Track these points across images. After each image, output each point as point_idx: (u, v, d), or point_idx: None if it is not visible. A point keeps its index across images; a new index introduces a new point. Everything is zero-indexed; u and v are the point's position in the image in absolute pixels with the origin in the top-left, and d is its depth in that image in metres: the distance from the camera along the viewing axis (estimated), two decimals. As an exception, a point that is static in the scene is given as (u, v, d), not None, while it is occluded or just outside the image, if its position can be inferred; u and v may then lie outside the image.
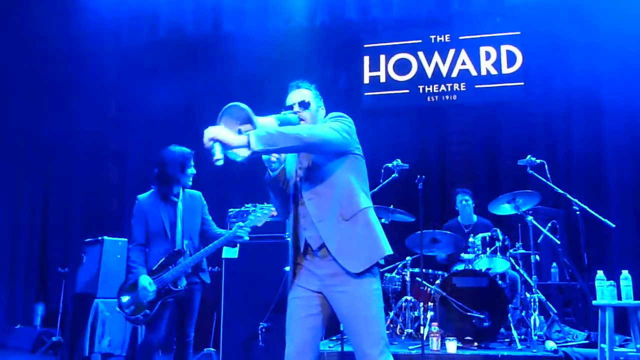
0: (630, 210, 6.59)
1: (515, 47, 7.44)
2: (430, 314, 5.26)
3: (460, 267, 5.63)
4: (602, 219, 5.00)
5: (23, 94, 8.21)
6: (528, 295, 5.36)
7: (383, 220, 5.63)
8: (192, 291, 3.97)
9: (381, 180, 5.38)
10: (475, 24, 7.58)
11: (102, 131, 8.06)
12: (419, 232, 5.00)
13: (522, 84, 7.33)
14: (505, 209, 5.68)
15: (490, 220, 6.11)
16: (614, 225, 5.01)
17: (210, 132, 2.33)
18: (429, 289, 5.39)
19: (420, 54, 7.73)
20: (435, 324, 4.87)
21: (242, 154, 2.36)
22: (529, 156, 5.41)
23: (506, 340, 5.01)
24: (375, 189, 5.33)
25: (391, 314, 5.54)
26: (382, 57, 7.83)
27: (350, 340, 2.62)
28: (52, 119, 7.88)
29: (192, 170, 4.08)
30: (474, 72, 7.51)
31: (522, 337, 4.99)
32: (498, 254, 5.47)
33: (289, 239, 2.80)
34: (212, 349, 5.43)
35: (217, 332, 5.28)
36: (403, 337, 5.36)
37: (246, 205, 4.22)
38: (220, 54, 7.86)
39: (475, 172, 7.22)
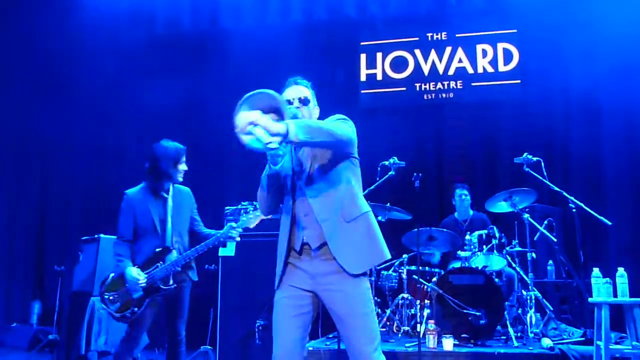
0: (626, 208, 6.62)
1: (511, 44, 7.45)
2: (426, 311, 5.26)
3: (456, 264, 5.64)
4: (599, 216, 5.00)
5: (20, 92, 8.17)
6: (524, 292, 5.36)
7: (380, 217, 5.62)
8: (181, 289, 3.91)
9: (378, 178, 5.39)
10: (472, 21, 7.58)
11: (99, 129, 8.04)
12: (416, 229, 5.00)
13: (519, 81, 7.34)
14: (501, 206, 5.69)
15: (486, 215, 6.13)
16: (610, 223, 5.02)
17: (248, 117, 2.28)
18: (425, 287, 5.40)
19: (417, 52, 7.73)
20: (432, 321, 4.87)
21: (273, 143, 2.29)
22: (525, 154, 5.42)
23: (502, 337, 5.02)
24: (372, 187, 5.34)
25: (388, 311, 5.55)
26: (379, 55, 7.83)
27: (345, 338, 2.62)
28: (50, 117, 7.86)
29: (184, 167, 4.01)
30: (470, 70, 7.52)
31: (519, 334, 5.00)
32: (494, 251, 5.47)
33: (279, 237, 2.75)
34: (209, 347, 5.43)
35: (214, 330, 5.27)
36: (400, 335, 5.37)
37: (243, 203, 4.21)
38: (217, 50, 7.86)
39: (472, 170, 7.22)
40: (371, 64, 7.85)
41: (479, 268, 5.24)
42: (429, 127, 7.52)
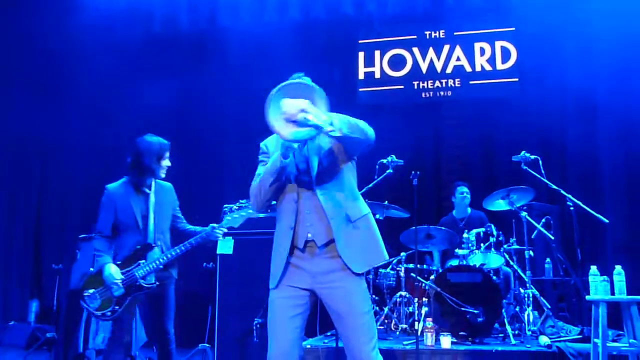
0: (623, 206, 6.64)
1: (509, 43, 7.46)
2: (424, 309, 5.27)
3: (454, 262, 5.65)
4: (596, 214, 5.01)
5: (17, 91, 8.16)
6: (522, 290, 5.38)
7: (377, 216, 5.63)
8: (165, 287, 3.82)
9: (376, 176, 5.39)
10: (470, 20, 7.59)
11: (97, 128, 8.03)
12: (414, 227, 5.01)
13: (517, 79, 7.35)
14: (499, 204, 5.69)
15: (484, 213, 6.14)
16: (607, 221, 5.02)
17: (298, 104, 2.31)
18: (423, 285, 5.40)
19: (415, 50, 7.73)
20: (430, 319, 4.88)
21: (309, 133, 2.34)
22: (523, 152, 5.42)
23: (500, 335, 5.03)
24: (370, 185, 5.34)
25: (386, 309, 5.55)
26: (377, 53, 7.83)
27: (344, 336, 2.63)
28: (47, 116, 7.83)
29: (167, 162, 3.93)
30: (468, 68, 7.52)
31: (516, 332, 5.00)
32: (492, 249, 5.49)
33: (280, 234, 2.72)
34: (207, 345, 5.42)
35: (212, 328, 5.27)
36: (397, 333, 5.37)
37: (240, 201, 4.20)
38: (215, 49, 7.84)
39: (470, 168, 7.23)
40: (369, 62, 7.85)
41: (477, 266, 5.25)
42: (427, 125, 7.52)
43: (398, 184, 5.74)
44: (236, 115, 7.70)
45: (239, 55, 7.65)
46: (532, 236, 5.61)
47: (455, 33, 7.63)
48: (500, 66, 7.44)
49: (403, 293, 5.57)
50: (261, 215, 5.17)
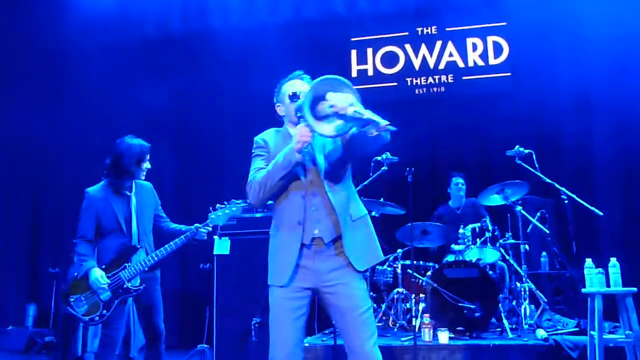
0: (617, 199, 6.67)
1: (501, 37, 7.47)
2: (422, 305, 5.29)
3: (450, 258, 5.67)
4: (590, 207, 5.04)
5: (14, 94, 8.14)
6: (518, 284, 5.40)
7: (374, 213, 5.64)
8: (151, 288, 3.80)
9: (371, 174, 5.40)
10: (462, 15, 7.59)
11: (93, 131, 8.00)
12: (409, 224, 5.02)
13: (509, 74, 7.37)
14: (494, 199, 5.72)
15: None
16: (601, 214, 5.05)
17: (348, 98, 2.37)
18: (420, 281, 5.42)
19: (408, 47, 7.74)
20: (427, 315, 4.90)
21: (351, 128, 2.38)
22: (517, 146, 5.44)
23: (497, 329, 5.06)
24: (366, 182, 5.36)
25: (383, 306, 5.57)
26: (370, 51, 7.84)
27: (345, 333, 2.64)
28: (43, 119, 7.82)
29: (147, 165, 3.89)
30: (461, 64, 7.53)
31: (513, 326, 5.02)
32: (488, 244, 5.51)
33: (281, 232, 2.71)
34: (206, 345, 5.43)
35: (210, 329, 5.28)
36: (395, 329, 5.38)
37: (234, 201, 4.20)
38: (206, 49, 7.82)
39: (464, 163, 7.23)
40: (362, 59, 7.85)
41: (473, 261, 5.27)
42: (421, 122, 7.51)
43: (393, 180, 5.75)
44: (232, 116, 7.70)
45: (232, 56, 7.64)
46: (528, 230, 5.63)
47: (447, 29, 7.64)
48: (492, 61, 7.46)
49: (400, 290, 5.59)
50: (258, 215, 5.20)
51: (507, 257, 5.63)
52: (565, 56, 7.05)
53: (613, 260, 4.10)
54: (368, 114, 2.33)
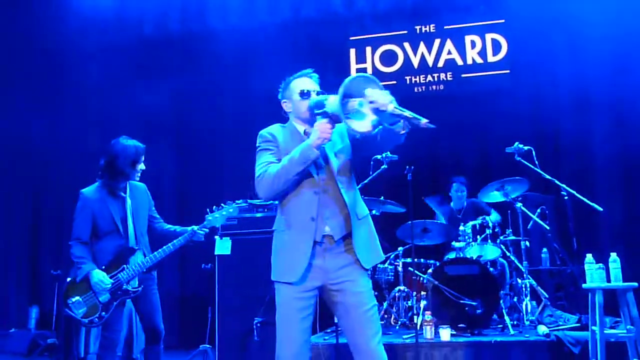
0: (617, 194, 6.68)
1: (500, 35, 7.47)
2: (423, 303, 5.29)
3: (451, 255, 5.68)
4: (590, 203, 5.04)
5: (13, 95, 8.14)
6: (519, 281, 5.41)
7: (374, 211, 5.65)
8: (148, 288, 3.81)
9: (371, 172, 5.41)
10: (460, 13, 7.60)
11: (93, 132, 8.00)
12: (410, 222, 5.03)
13: (508, 71, 7.36)
14: (494, 196, 5.73)
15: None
16: (601, 209, 5.05)
17: (388, 95, 2.36)
18: (421, 279, 5.43)
19: (406, 45, 7.74)
20: (429, 312, 4.90)
21: (385, 123, 2.38)
22: (516, 143, 5.44)
23: (499, 326, 5.06)
24: (366, 181, 5.36)
25: (385, 304, 5.58)
26: (368, 49, 7.84)
27: (350, 331, 2.64)
28: (43, 120, 7.84)
29: (142, 166, 3.89)
30: (460, 62, 7.53)
31: (515, 322, 5.04)
32: (489, 241, 5.52)
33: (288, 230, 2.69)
34: (208, 346, 5.44)
35: (213, 329, 5.29)
36: (397, 327, 5.40)
37: (237, 201, 4.21)
38: (205, 49, 7.82)
39: (464, 161, 7.25)
40: (361, 58, 7.86)
41: (474, 258, 5.28)
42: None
43: (393, 179, 5.76)
44: (232, 116, 7.71)
45: (231, 56, 7.64)
46: (528, 227, 5.64)
47: (446, 27, 7.64)
48: (491, 59, 7.45)
49: (402, 287, 5.60)
50: (258, 215, 5.21)
51: (508, 254, 5.64)
52: (564, 53, 7.06)
53: (613, 255, 4.10)
54: (407, 112, 2.34)
